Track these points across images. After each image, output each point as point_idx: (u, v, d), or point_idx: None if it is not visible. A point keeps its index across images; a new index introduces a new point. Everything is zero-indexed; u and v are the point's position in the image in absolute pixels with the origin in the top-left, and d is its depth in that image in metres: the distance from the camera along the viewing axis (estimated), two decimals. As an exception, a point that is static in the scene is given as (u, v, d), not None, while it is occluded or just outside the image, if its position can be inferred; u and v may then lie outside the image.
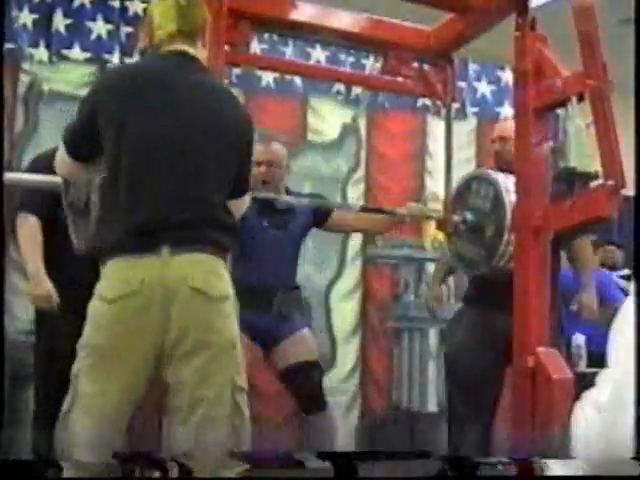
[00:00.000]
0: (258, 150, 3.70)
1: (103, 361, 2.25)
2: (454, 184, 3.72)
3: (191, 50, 2.44)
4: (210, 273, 2.30)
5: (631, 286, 1.49)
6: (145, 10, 2.56)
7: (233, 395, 2.30)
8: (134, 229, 2.25)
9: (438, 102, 4.14)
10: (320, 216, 3.77)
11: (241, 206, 2.55)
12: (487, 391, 3.71)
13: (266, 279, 3.64)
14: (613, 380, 1.40)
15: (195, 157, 2.33)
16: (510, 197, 3.44)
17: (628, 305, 1.46)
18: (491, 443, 3.72)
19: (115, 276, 2.27)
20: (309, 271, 5.19)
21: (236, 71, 4.97)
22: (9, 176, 2.73)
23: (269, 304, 3.66)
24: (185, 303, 2.24)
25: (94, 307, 2.29)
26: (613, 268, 5.89)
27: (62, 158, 2.46)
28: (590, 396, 1.45)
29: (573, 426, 1.43)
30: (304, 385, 3.69)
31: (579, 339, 4.88)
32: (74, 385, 2.28)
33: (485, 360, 3.69)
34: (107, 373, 2.25)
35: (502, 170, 3.71)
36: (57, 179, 2.60)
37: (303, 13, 3.41)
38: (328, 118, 5.48)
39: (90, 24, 4.91)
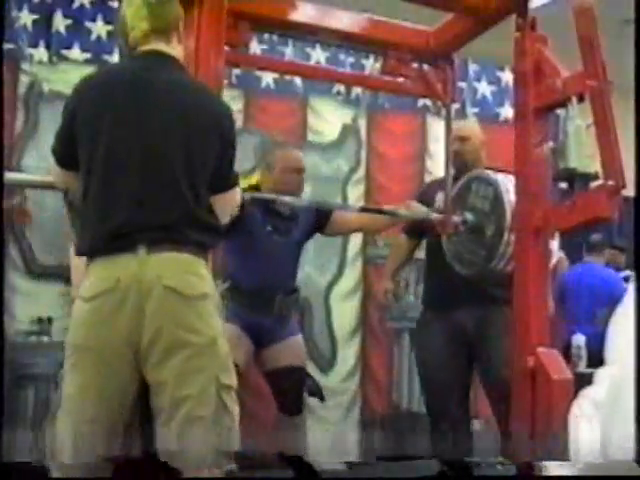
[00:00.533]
0: (296, 158, 3.83)
1: (82, 360, 2.26)
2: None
3: (166, 48, 2.43)
4: (186, 272, 2.29)
5: (630, 286, 1.48)
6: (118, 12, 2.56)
7: (218, 393, 2.28)
8: (113, 231, 2.26)
9: (438, 102, 4.15)
10: (322, 220, 3.84)
11: (230, 201, 2.52)
12: (460, 389, 3.84)
13: (268, 283, 3.73)
14: (610, 376, 1.39)
15: (171, 157, 2.32)
16: (509, 197, 3.44)
17: (627, 302, 1.45)
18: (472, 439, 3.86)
19: (93, 276, 2.28)
20: (310, 271, 5.19)
21: (236, 71, 4.97)
22: (9, 176, 2.73)
23: (270, 306, 3.74)
24: (159, 302, 2.23)
25: (75, 307, 2.31)
26: (617, 270, 5.91)
27: (54, 168, 2.47)
28: (588, 393, 1.44)
29: (570, 423, 1.43)
30: (289, 389, 3.83)
31: (579, 339, 4.88)
32: (60, 387, 2.30)
33: (454, 361, 3.81)
34: (85, 372, 2.25)
35: (459, 171, 3.78)
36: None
37: (303, 14, 3.41)
38: (328, 118, 5.47)
39: (90, 25, 4.92)
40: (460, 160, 3.86)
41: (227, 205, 2.49)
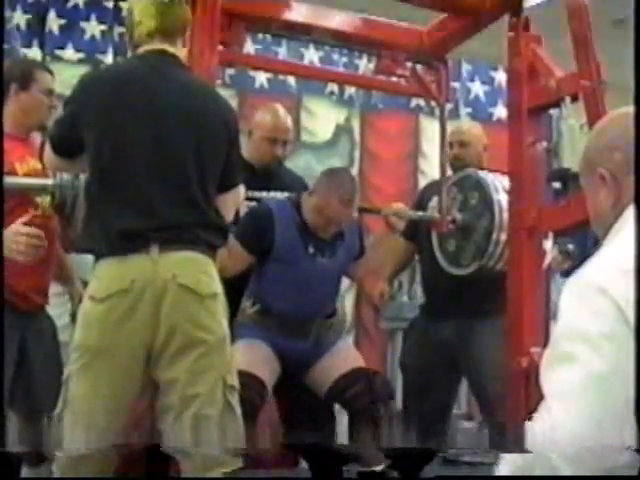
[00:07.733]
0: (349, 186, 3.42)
1: (94, 361, 2.26)
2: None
3: (170, 48, 2.44)
4: (199, 271, 2.32)
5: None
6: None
7: (224, 394, 2.31)
8: (125, 230, 2.27)
9: (432, 102, 4.15)
10: (362, 247, 3.58)
11: (234, 200, 2.56)
12: (434, 398, 3.76)
13: (307, 308, 3.40)
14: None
15: (184, 158, 2.34)
16: (499, 197, 3.45)
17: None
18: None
19: (105, 276, 2.29)
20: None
21: (230, 71, 4.97)
22: (8, 180, 2.72)
23: (307, 331, 3.40)
24: (174, 301, 2.25)
25: (85, 308, 2.31)
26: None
27: (48, 153, 2.48)
28: None
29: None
30: (364, 393, 3.34)
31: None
32: (66, 387, 2.30)
33: (431, 368, 3.77)
34: (98, 373, 2.26)
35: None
36: (49, 181, 2.61)
37: (296, 13, 3.41)
38: (321, 118, 5.47)
39: (84, 24, 4.91)
40: (460, 165, 3.84)
41: (231, 204, 2.52)
